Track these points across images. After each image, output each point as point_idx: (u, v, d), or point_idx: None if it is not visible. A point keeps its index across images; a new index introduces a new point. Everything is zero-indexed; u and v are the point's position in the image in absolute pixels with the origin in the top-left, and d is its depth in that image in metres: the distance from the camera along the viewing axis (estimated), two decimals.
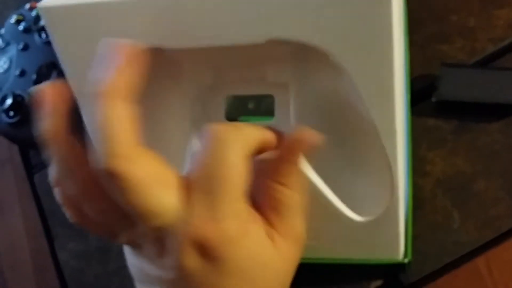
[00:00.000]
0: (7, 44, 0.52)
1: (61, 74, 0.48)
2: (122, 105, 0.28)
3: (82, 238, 0.49)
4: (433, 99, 0.44)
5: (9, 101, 0.49)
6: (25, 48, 0.51)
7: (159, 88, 0.36)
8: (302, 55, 0.33)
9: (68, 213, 0.32)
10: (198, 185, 0.30)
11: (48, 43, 0.50)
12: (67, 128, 0.31)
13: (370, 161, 0.36)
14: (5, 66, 0.51)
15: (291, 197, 0.33)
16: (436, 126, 0.45)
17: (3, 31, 0.52)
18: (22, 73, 0.50)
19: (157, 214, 0.29)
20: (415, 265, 0.42)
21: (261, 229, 0.32)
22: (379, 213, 0.37)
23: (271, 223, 0.32)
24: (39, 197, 0.52)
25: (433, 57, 0.47)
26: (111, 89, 0.28)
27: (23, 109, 0.49)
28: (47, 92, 0.31)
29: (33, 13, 0.51)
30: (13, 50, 0.51)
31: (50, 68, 0.49)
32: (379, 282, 0.42)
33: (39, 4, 0.32)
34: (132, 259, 0.32)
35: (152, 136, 0.32)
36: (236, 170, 0.30)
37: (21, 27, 0.51)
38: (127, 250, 0.33)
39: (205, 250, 0.29)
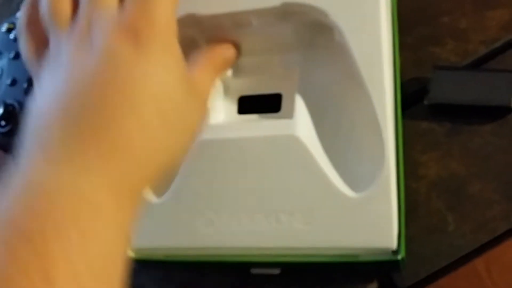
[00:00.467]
0: None
1: None
2: None
3: None
4: (425, 102, 0.44)
5: (0, 111, 0.49)
6: (16, 57, 0.50)
7: None
8: (308, 41, 0.42)
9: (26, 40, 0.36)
10: None
11: None
12: None
13: (363, 134, 0.40)
14: None
15: None
16: (429, 129, 0.45)
17: None
18: (13, 82, 0.50)
19: None
20: (410, 269, 0.41)
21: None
22: (372, 189, 0.38)
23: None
24: None
25: (425, 59, 0.47)
26: None
27: (15, 118, 0.49)
28: None
29: None
30: (4, 59, 0.51)
31: None
32: (374, 286, 0.42)
33: None
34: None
35: None
36: None
37: (12, 36, 0.51)
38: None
39: (133, 34, 0.32)
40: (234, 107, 0.44)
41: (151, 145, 0.32)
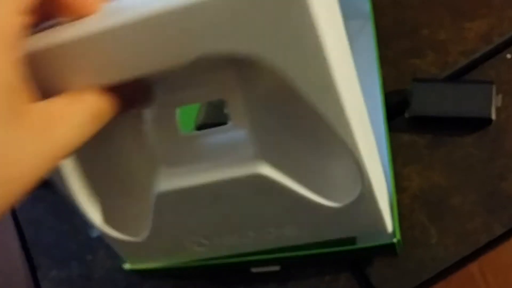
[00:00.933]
0: None
1: None
2: None
3: (64, 266, 0.49)
4: (406, 115, 0.44)
5: None
6: None
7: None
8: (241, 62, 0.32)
9: None
10: None
11: None
12: None
13: (334, 149, 0.36)
14: None
15: None
16: (410, 141, 0.45)
17: None
18: None
19: None
20: (394, 282, 0.42)
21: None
22: (355, 197, 0.37)
23: None
24: (21, 226, 0.52)
25: (406, 71, 0.47)
26: None
27: None
28: None
29: None
30: None
31: None
32: None
33: None
34: None
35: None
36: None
37: None
38: None
39: None
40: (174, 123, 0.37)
41: None
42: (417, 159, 0.45)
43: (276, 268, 0.43)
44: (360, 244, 0.41)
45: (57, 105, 0.29)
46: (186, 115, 0.48)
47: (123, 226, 0.40)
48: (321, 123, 0.33)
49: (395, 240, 0.39)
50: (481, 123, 0.44)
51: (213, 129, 0.37)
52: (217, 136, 0.37)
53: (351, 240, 0.41)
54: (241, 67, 0.34)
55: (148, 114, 0.36)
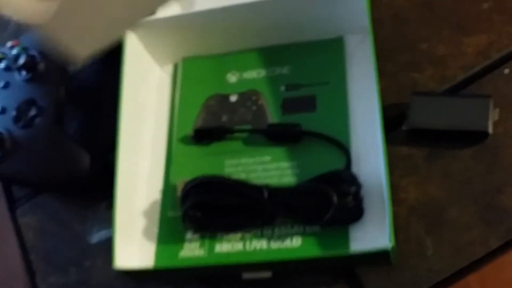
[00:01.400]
0: None
1: (40, 110, 0.50)
2: None
3: (63, 272, 0.49)
4: (404, 128, 0.45)
5: None
6: (6, 86, 0.51)
7: None
8: None
9: None
10: None
11: (28, 80, 0.51)
12: None
13: None
14: None
15: None
16: (408, 154, 0.46)
17: None
18: (3, 111, 0.51)
19: None
20: None
21: None
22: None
23: None
24: (21, 232, 0.53)
25: (405, 85, 0.48)
26: None
27: (4, 145, 0.50)
28: None
29: (14, 51, 0.52)
30: None
31: (30, 105, 0.50)
32: None
33: None
34: None
35: None
36: None
37: (2, 66, 0.52)
38: None
39: None
40: None
41: None
42: (414, 172, 0.45)
43: (268, 274, 0.43)
44: (354, 250, 0.41)
45: None
46: (185, 118, 0.50)
47: None
48: None
49: (389, 246, 0.40)
50: (478, 136, 0.44)
51: None
52: None
53: (345, 244, 0.42)
54: None
55: None
